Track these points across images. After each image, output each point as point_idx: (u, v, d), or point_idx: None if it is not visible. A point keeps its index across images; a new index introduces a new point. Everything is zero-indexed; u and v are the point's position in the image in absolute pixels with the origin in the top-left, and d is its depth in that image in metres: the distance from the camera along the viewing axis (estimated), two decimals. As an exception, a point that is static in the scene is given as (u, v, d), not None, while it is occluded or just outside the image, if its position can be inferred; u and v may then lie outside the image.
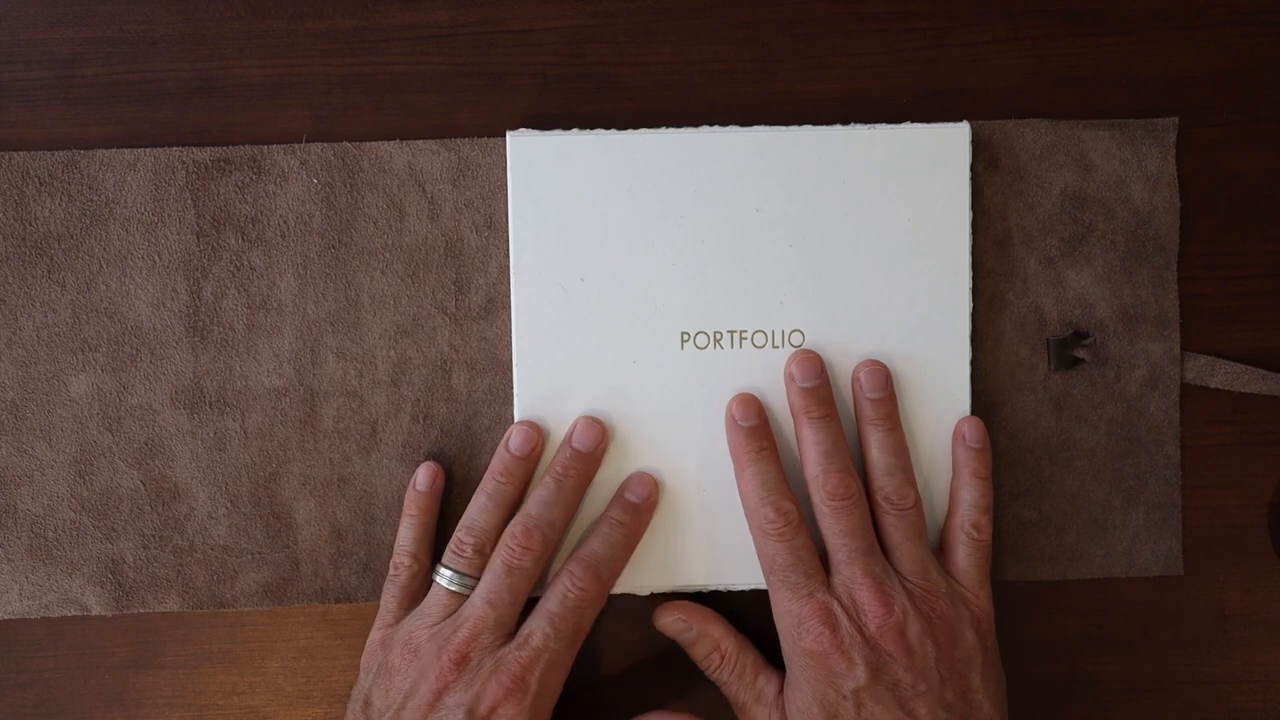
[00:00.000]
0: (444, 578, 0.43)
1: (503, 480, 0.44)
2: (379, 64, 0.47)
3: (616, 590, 0.46)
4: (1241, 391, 0.48)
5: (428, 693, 0.41)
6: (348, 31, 0.47)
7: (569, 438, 0.45)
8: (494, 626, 0.42)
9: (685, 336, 0.46)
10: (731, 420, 0.45)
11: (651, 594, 0.46)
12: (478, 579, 0.43)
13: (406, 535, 0.45)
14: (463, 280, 0.47)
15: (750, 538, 0.45)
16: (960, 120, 0.46)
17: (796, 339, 0.46)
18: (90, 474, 0.46)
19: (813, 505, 0.44)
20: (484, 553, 0.43)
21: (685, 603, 0.45)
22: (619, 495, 0.45)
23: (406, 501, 0.45)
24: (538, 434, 0.45)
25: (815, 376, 0.44)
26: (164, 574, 0.47)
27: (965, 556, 0.45)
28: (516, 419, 0.45)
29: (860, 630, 0.42)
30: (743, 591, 0.47)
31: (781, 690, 0.43)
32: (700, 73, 0.47)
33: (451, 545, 0.44)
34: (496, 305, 0.47)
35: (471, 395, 0.47)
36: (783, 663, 0.44)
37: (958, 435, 0.46)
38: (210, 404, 0.46)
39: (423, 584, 0.45)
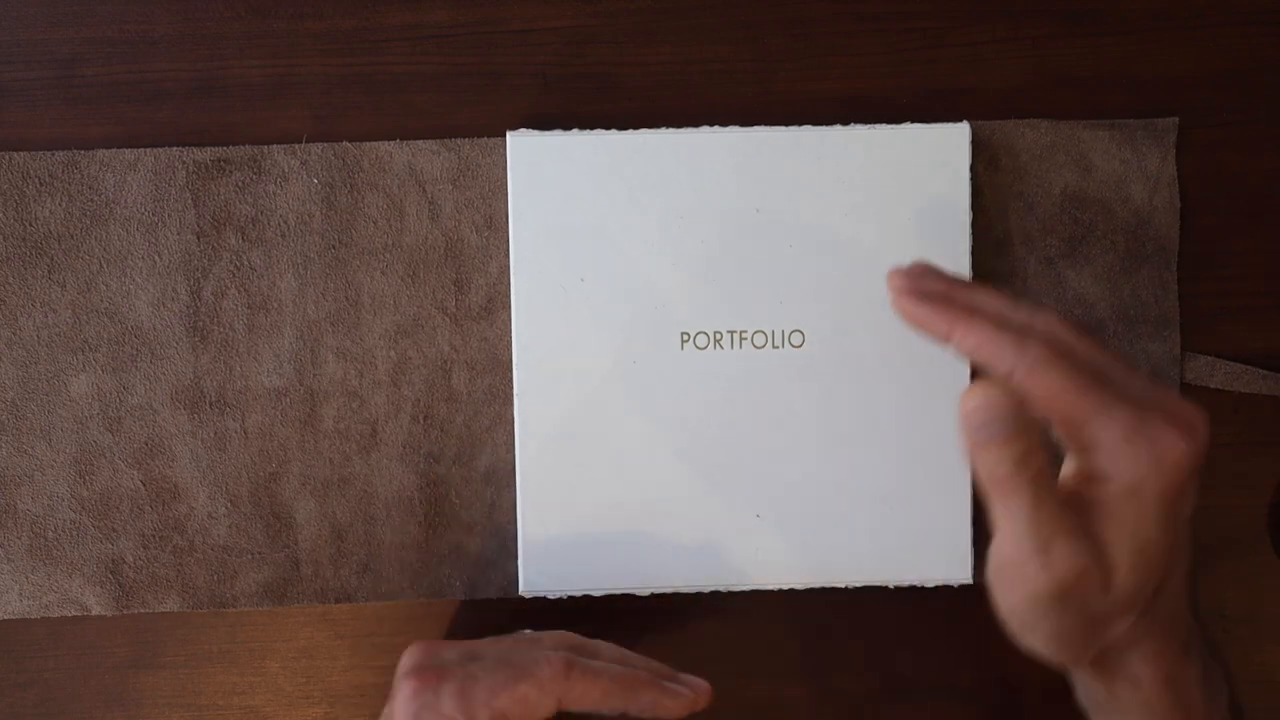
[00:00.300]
0: None
1: (658, 702, 0.40)
2: (379, 64, 0.47)
3: (615, 591, 0.46)
4: (1241, 391, 0.48)
5: None
6: (348, 31, 0.47)
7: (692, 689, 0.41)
8: None
9: (685, 336, 0.46)
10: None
11: (651, 594, 0.46)
12: None
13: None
14: (463, 280, 0.47)
15: (741, 540, 0.45)
16: (960, 120, 0.46)
17: (796, 339, 0.46)
18: (90, 474, 0.46)
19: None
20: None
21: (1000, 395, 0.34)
22: (673, 673, 0.41)
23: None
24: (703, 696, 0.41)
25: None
26: (164, 574, 0.47)
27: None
28: (517, 419, 0.45)
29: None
30: (743, 592, 0.47)
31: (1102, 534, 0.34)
32: (700, 73, 0.47)
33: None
34: (496, 305, 0.47)
35: (471, 395, 0.47)
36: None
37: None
38: (210, 404, 0.46)
39: None
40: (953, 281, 0.36)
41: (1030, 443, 0.33)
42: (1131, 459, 0.33)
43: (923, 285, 0.36)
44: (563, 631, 0.43)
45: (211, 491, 0.47)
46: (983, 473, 0.34)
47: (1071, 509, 0.34)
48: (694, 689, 0.41)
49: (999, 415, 0.33)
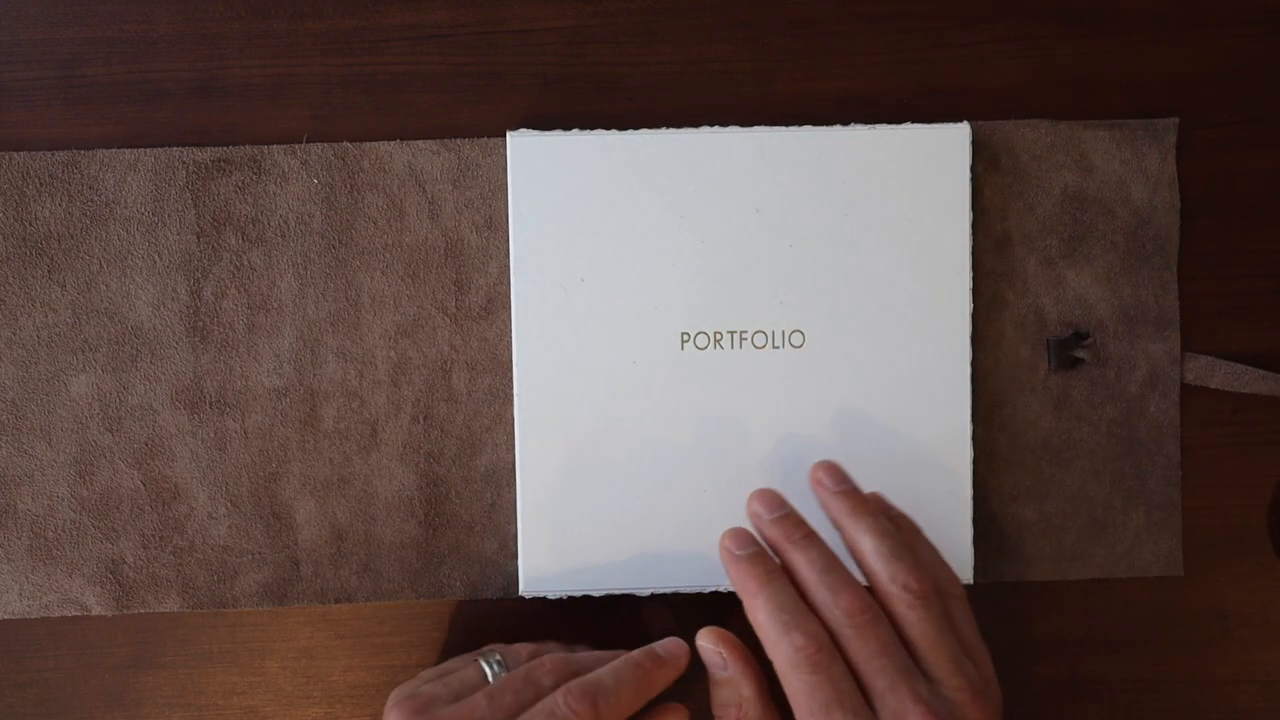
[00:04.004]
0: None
1: (651, 670, 0.41)
2: (379, 64, 0.47)
3: (615, 590, 0.46)
4: (1241, 391, 0.48)
5: None
6: (348, 31, 0.47)
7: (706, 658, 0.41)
8: None
9: (685, 336, 0.46)
10: (728, 554, 0.41)
11: (651, 594, 0.46)
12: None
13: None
14: (463, 280, 0.47)
15: None
16: (960, 120, 0.46)
17: (796, 339, 0.46)
18: (90, 474, 0.46)
19: (832, 635, 0.38)
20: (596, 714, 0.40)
21: (734, 639, 0.41)
22: (649, 646, 0.42)
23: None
24: (683, 653, 0.42)
25: (780, 507, 0.41)
26: (164, 574, 0.47)
27: (961, 620, 0.41)
28: (517, 419, 0.45)
29: None
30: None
31: None
32: (700, 73, 0.47)
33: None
34: (496, 305, 0.47)
35: (471, 395, 0.47)
36: None
37: (815, 482, 0.43)
38: (210, 404, 0.46)
39: None
40: (786, 527, 0.41)
41: (739, 695, 0.40)
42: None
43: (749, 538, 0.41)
44: (532, 645, 0.44)
45: (211, 491, 0.47)
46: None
47: None
48: (681, 653, 0.42)
49: (718, 662, 0.41)
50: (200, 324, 0.46)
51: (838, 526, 0.41)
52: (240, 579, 0.47)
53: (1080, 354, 0.47)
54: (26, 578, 0.46)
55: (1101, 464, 0.48)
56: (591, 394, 0.46)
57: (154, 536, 0.47)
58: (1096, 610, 0.49)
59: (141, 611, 0.47)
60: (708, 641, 0.41)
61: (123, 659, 0.48)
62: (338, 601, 0.47)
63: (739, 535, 0.41)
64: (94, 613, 0.47)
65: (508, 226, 0.46)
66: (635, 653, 0.42)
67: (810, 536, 0.40)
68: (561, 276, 0.45)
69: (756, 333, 0.46)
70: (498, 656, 0.42)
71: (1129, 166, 0.47)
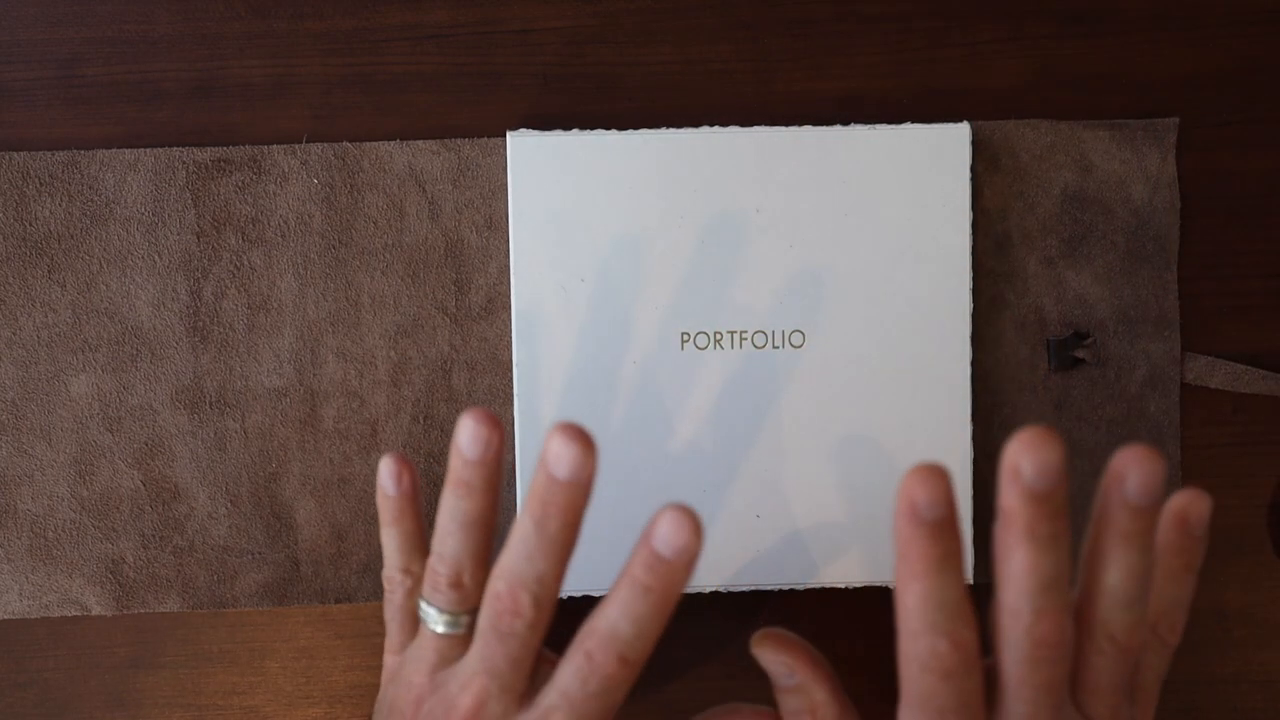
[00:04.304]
0: (429, 616, 0.37)
1: (461, 494, 0.35)
2: (379, 64, 0.47)
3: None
4: (1241, 391, 0.48)
5: None
6: (348, 31, 0.47)
7: (543, 459, 0.34)
8: (499, 694, 0.36)
9: (685, 336, 0.46)
10: (909, 508, 0.32)
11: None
12: (466, 615, 0.37)
13: (390, 547, 0.39)
14: (463, 280, 0.47)
15: (741, 540, 0.45)
16: (960, 120, 0.46)
17: (797, 339, 0.46)
18: (90, 474, 0.46)
19: (1000, 633, 0.33)
20: (462, 585, 0.36)
21: (794, 641, 0.38)
22: (644, 541, 0.34)
23: (379, 508, 0.39)
24: (491, 429, 0.35)
25: (1053, 475, 0.31)
26: (164, 574, 0.47)
27: (1152, 667, 0.37)
28: (517, 419, 0.45)
29: None
30: (743, 592, 0.47)
31: None
32: (700, 73, 0.47)
33: (427, 574, 0.37)
34: (496, 305, 0.47)
35: (471, 395, 0.47)
36: None
37: (1176, 517, 0.36)
38: (210, 404, 0.46)
39: None
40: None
41: (812, 701, 0.38)
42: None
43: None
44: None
45: (211, 491, 0.47)
46: None
47: None
48: (686, 538, 0.34)
49: (784, 671, 0.39)
50: (200, 324, 0.46)
51: (1097, 536, 0.34)
52: (240, 579, 0.47)
53: (1080, 354, 0.47)
54: (26, 578, 0.46)
55: (1101, 464, 0.48)
56: (591, 394, 0.46)
57: (154, 536, 0.47)
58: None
59: (141, 611, 0.47)
60: (770, 652, 0.38)
61: (123, 659, 0.48)
62: (338, 601, 0.47)
63: (933, 485, 0.31)
64: (94, 613, 0.47)
65: (508, 226, 0.46)
66: (635, 565, 0.34)
67: (1058, 538, 0.32)
68: (561, 276, 0.45)
69: (756, 333, 0.46)
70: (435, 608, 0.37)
71: (1129, 166, 0.47)
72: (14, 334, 0.46)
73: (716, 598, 0.47)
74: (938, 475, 0.31)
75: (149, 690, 0.48)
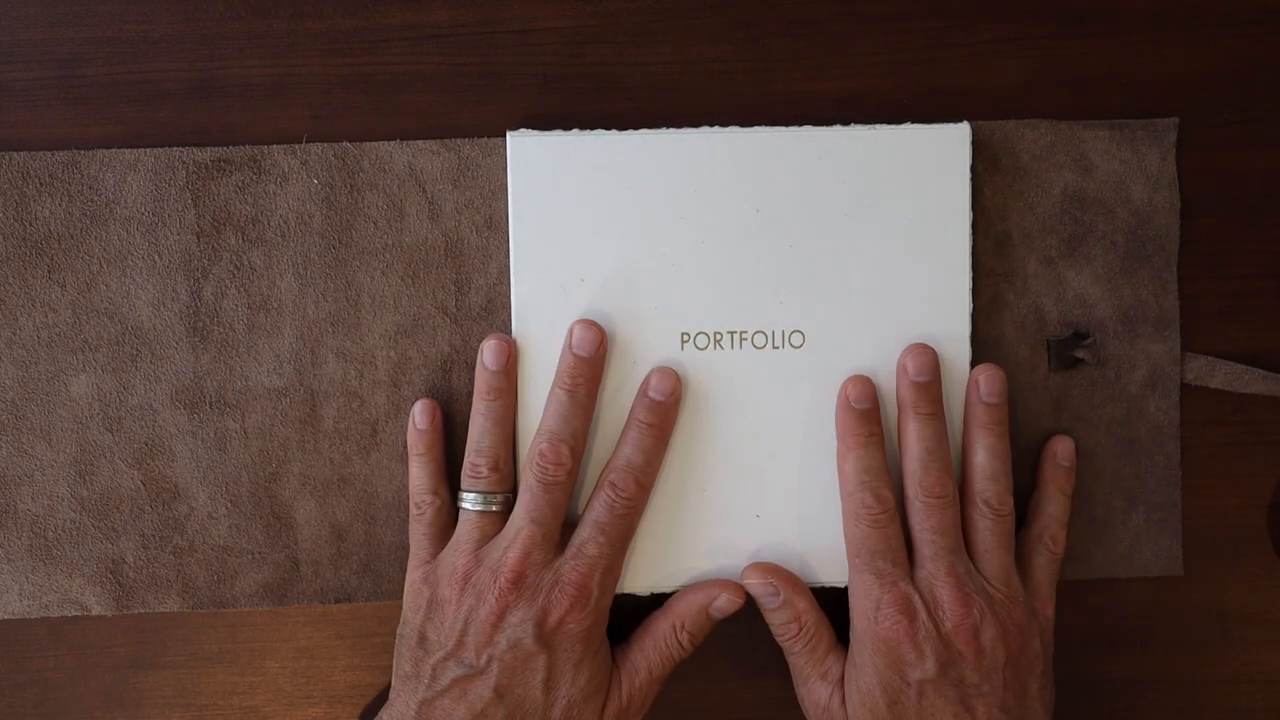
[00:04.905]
0: (469, 501, 0.44)
1: (491, 398, 0.44)
2: (379, 64, 0.47)
3: (617, 591, 0.46)
4: (1241, 391, 0.48)
5: (489, 615, 0.42)
6: (348, 31, 0.47)
7: (568, 345, 0.44)
8: (542, 542, 0.43)
9: (685, 337, 0.46)
10: (845, 401, 0.45)
11: (652, 594, 0.46)
12: (501, 495, 0.44)
13: (420, 474, 0.45)
14: (463, 280, 0.47)
15: (741, 540, 0.45)
16: (960, 120, 0.46)
17: (796, 339, 0.46)
18: (90, 474, 0.46)
19: (906, 498, 0.44)
20: (500, 469, 0.44)
21: (776, 566, 0.45)
22: (642, 394, 0.45)
23: (411, 442, 0.46)
24: (509, 345, 0.45)
25: (928, 372, 0.45)
26: (164, 574, 0.47)
27: (1041, 567, 0.46)
28: (518, 418, 0.45)
29: (936, 625, 0.42)
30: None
31: (845, 669, 0.44)
32: (700, 73, 0.47)
33: (466, 470, 0.44)
34: (496, 305, 0.47)
35: (471, 395, 0.47)
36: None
37: (1049, 452, 0.47)
38: (210, 404, 0.46)
39: (449, 519, 0.45)
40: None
41: (795, 610, 0.45)
42: (859, 612, 0.44)
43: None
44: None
45: (211, 491, 0.47)
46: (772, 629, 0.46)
47: (835, 655, 0.45)
48: (671, 383, 0.45)
49: (770, 591, 0.45)
50: (200, 324, 0.46)
51: (966, 429, 0.45)
52: (240, 579, 0.47)
53: (1080, 354, 0.47)
54: (26, 578, 0.46)
55: (1101, 464, 0.48)
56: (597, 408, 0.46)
57: (154, 536, 0.47)
58: (1096, 610, 0.49)
59: (141, 611, 0.47)
60: (756, 577, 0.45)
61: (123, 659, 0.48)
62: (338, 601, 0.47)
63: (861, 387, 0.45)
64: (94, 613, 0.47)
65: (508, 226, 0.46)
66: (638, 411, 0.45)
67: (937, 416, 0.45)
68: (561, 276, 0.45)
69: (756, 333, 0.46)
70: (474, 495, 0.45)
71: (1129, 166, 0.47)
72: (14, 334, 0.46)
73: (716, 598, 0.47)
74: (865, 381, 0.45)
75: (149, 690, 0.48)
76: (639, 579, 0.46)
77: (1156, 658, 0.49)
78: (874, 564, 0.43)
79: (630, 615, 0.47)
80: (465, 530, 0.44)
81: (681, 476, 0.46)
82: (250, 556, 0.47)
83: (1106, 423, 0.48)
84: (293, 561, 0.47)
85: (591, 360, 0.44)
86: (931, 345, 0.45)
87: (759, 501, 0.46)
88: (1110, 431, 0.48)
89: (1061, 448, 0.47)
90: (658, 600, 0.47)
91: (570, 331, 0.45)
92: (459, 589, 0.43)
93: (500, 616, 0.42)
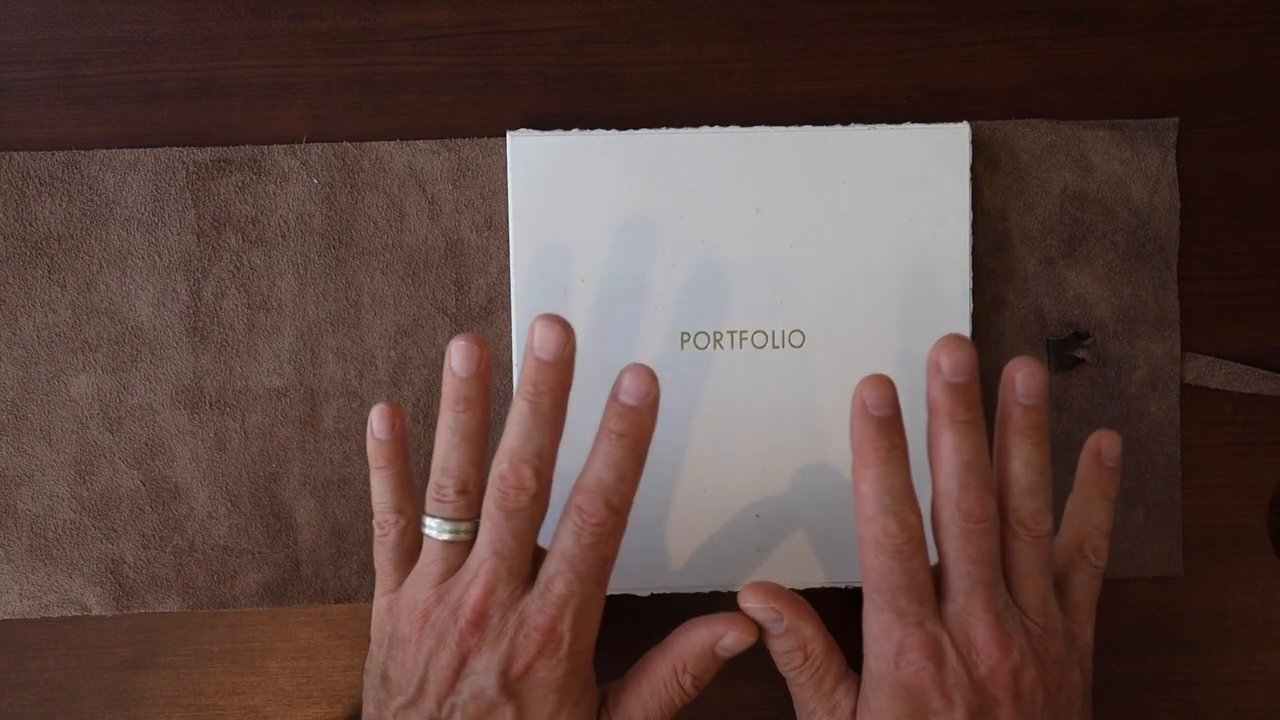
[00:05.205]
0: (433, 528, 0.39)
1: (460, 409, 0.39)
2: (379, 64, 0.47)
3: (614, 591, 0.46)
4: (1241, 391, 0.48)
5: (449, 660, 0.38)
6: (348, 31, 0.47)
7: (530, 346, 0.38)
8: (507, 577, 0.38)
9: (685, 336, 0.46)
10: (861, 407, 0.38)
11: (651, 594, 0.46)
12: (470, 522, 0.39)
13: (382, 489, 0.40)
14: (463, 280, 0.47)
15: (741, 540, 0.45)
16: (960, 120, 0.46)
17: (796, 339, 0.46)
18: (90, 474, 0.46)
19: (936, 519, 0.39)
20: (468, 491, 0.39)
21: (778, 588, 0.40)
22: (612, 399, 0.39)
23: (371, 453, 0.41)
24: (481, 348, 0.39)
25: (967, 371, 0.38)
26: (164, 574, 0.47)
27: (1081, 585, 0.41)
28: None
29: (968, 670, 0.37)
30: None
31: (856, 708, 0.40)
32: (700, 73, 0.47)
33: (431, 493, 0.39)
34: (496, 305, 0.47)
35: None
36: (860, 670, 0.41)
37: (1092, 450, 0.41)
38: (210, 404, 0.46)
39: (415, 540, 0.41)
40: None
41: (801, 638, 0.40)
42: (877, 654, 0.38)
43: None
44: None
45: (211, 491, 0.47)
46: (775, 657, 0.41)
47: (845, 688, 0.40)
48: (646, 385, 0.38)
49: (773, 616, 0.40)
50: (200, 324, 0.46)
51: (1000, 435, 0.40)
52: (240, 579, 0.47)
53: (1080, 354, 0.47)
54: (26, 578, 0.46)
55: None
56: (592, 394, 0.46)
57: (154, 536, 0.47)
58: (1097, 610, 0.49)
59: (141, 611, 0.47)
60: (756, 601, 0.40)
61: (123, 659, 0.48)
62: (338, 601, 0.47)
63: (880, 390, 0.38)
64: (94, 613, 0.47)
65: (508, 226, 0.46)
66: (608, 419, 0.38)
67: (975, 424, 0.38)
68: (561, 276, 0.45)
69: (756, 333, 0.46)
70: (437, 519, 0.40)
71: (1129, 166, 0.47)
72: (14, 334, 0.46)
73: (717, 598, 0.47)
74: (885, 382, 0.38)
75: (149, 690, 0.48)
76: (639, 580, 0.46)
77: (1156, 658, 0.49)
78: (896, 602, 0.38)
79: (630, 615, 0.47)
80: (429, 561, 0.39)
81: (681, 476, 0.46)
82: (250, 556, 0.47)
83: (1106, 423, 0.48)
84: (293, 561, 0.47)
85: (556, 364, 0.38)
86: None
87: (759, 502, 0.46)
88: (1110, 431, 0.48)
89: (1107, 445, 0.41)
90: (658, 600, 0.46)
91: (531, 330, 0.38)
92: (419, 628, 0.38)
93: (462, 662, 0.38)
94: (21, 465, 0.46)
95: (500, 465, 0.38)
